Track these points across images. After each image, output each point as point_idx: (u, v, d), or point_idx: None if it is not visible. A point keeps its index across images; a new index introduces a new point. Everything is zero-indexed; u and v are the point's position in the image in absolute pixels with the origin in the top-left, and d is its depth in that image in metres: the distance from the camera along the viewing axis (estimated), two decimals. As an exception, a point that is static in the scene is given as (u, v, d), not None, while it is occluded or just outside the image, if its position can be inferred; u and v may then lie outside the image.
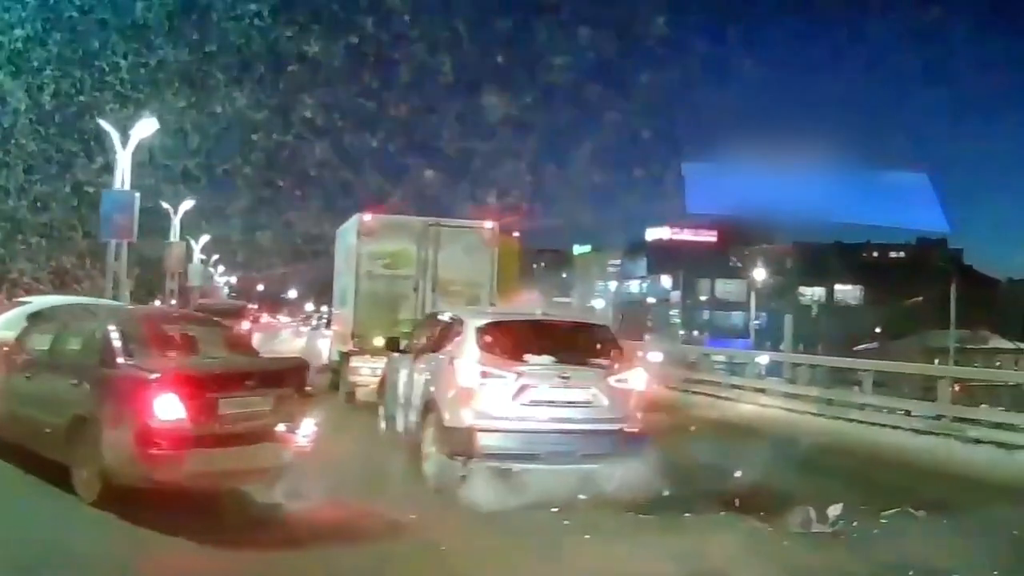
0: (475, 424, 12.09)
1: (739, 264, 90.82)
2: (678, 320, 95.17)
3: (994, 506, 12.95)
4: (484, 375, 12.23)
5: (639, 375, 13.03)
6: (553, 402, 12.30)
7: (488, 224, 21.36)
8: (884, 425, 21.20)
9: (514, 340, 12.65)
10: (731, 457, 14.86)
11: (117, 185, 32.88)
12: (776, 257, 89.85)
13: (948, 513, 12.16)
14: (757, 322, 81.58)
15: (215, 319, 15.13)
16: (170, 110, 36.90)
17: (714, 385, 29.11)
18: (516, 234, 24.48)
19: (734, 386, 28.31)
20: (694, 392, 28.61)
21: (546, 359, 12.35)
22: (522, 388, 12.15)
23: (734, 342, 75.60)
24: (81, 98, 34.63)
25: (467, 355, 12.51)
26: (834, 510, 11.25)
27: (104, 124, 33.86)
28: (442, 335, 13.88)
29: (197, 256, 68.35)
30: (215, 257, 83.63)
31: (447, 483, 12.28)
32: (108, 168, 38.43)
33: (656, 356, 35.10)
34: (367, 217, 21.07)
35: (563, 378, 12.29)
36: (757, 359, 31.77)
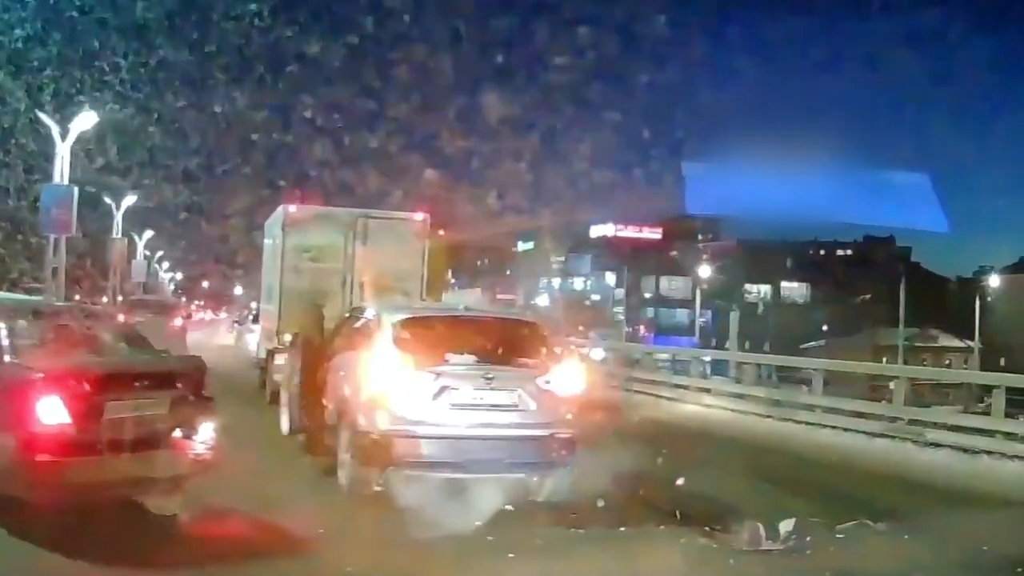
0: (390, 429, 10.98)
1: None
2: (622, 317, 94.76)
3: (959, 516, 12.14)
4: (400, 375, 11.12)
5: (571, 375, 11.92)
6: (476, 405, 11.17)
7: (418, 216, 20.68)
8: (836, 427, 20.36)
9: (434, 337, 11.60)
10: (673, 463, 14.00)
11: (56, 179, 32.92)
12: (721, 254, 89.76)
13: (910, 524, 11.23)
14: (703, 320, 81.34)
15: (117, 316, 14.05)
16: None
17: (658, 384, 28.30)
18: (441, 232, 23.57)
19: (678, 385, 27.49)
20: (637, 391, 27.80)
21: (468, 358, 11.30)
22: (442, 390, 11.04)
23: (679, 340, 75.47)
24: (81, 98, 35.14)
25: (382, 353, 11.40)
26: (786, 524, 10.18)
27: (43, 117, 33.73)
28: (359, 331, 12.80)
29: (141, 252, 67.89)
30: (159, 253, 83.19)
31: (362, 494, 11.19)
32: (108, 168, 41.56)
33: (599, 353, 34.40)
34: (292, 208, 20.28)
35: (487, 379, 11.17)
36: (702, 357, 30.95)
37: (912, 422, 19.20)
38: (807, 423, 21.06)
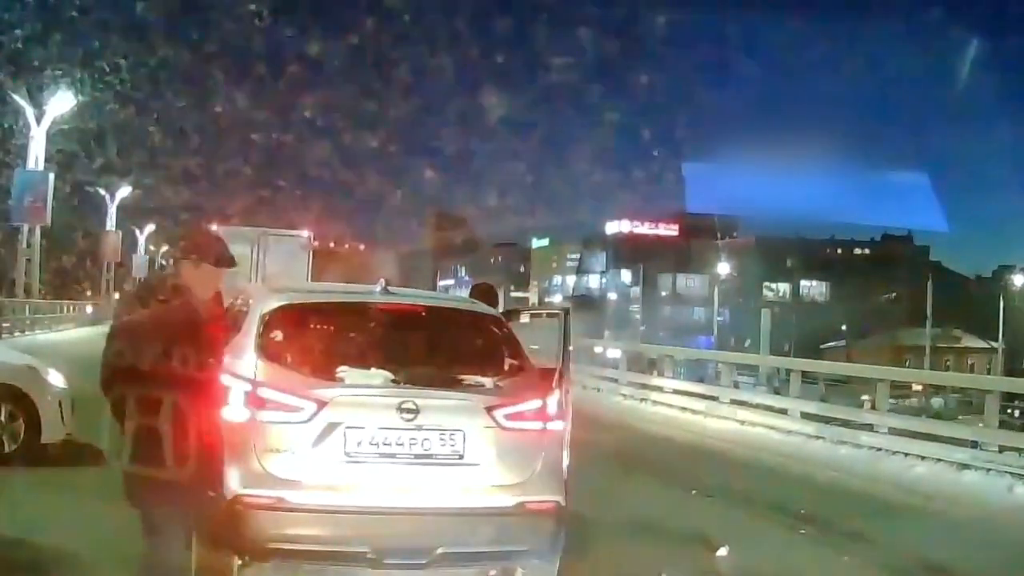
0: (247, 494, 6.49)
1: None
2: (638, 316, 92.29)
3: None
4: (262, 404, 6.60)
5: (553, 400, 7.09)
6: (391, 456, 6.58)
7: (304, 233, 28.94)
8: (908, 454, 15.98)
9: (325, 339, 7.26)
10: (711, 518, 10.23)
11: (31, 164, 31.71)
12: (739, 252, 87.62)
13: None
14: (720, 318, 78.87)
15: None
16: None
17: (680, 395, 24.27)
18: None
19: (704, 396, 23.32)
20: (654, 401, 24.40)
21: (376, 374, 6.72)
22: (329, 429, 6.52)
23: (695, 340, 73.07)
24: (81, 97, 37.17)
25: (239, 365, 6.77)
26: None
27: (18, 99, 34.67)
28: (228, 330, 8.26)
29: (142, 247, 70.56)
30: (164, 248, 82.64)
31: None
32: (108, 167, 45.08)
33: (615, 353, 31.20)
34: (214, 227, 24.92)
35: (407, 411, 6.56)
36: (731, 360, 26.74)
37: (1004, 449, 15.03)
38: (869, 447, 16.86)
